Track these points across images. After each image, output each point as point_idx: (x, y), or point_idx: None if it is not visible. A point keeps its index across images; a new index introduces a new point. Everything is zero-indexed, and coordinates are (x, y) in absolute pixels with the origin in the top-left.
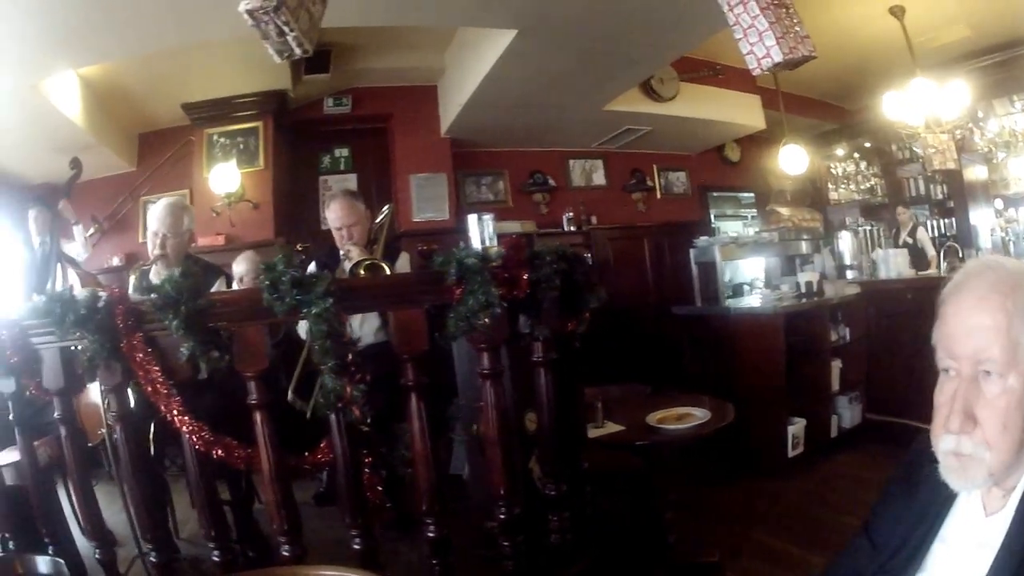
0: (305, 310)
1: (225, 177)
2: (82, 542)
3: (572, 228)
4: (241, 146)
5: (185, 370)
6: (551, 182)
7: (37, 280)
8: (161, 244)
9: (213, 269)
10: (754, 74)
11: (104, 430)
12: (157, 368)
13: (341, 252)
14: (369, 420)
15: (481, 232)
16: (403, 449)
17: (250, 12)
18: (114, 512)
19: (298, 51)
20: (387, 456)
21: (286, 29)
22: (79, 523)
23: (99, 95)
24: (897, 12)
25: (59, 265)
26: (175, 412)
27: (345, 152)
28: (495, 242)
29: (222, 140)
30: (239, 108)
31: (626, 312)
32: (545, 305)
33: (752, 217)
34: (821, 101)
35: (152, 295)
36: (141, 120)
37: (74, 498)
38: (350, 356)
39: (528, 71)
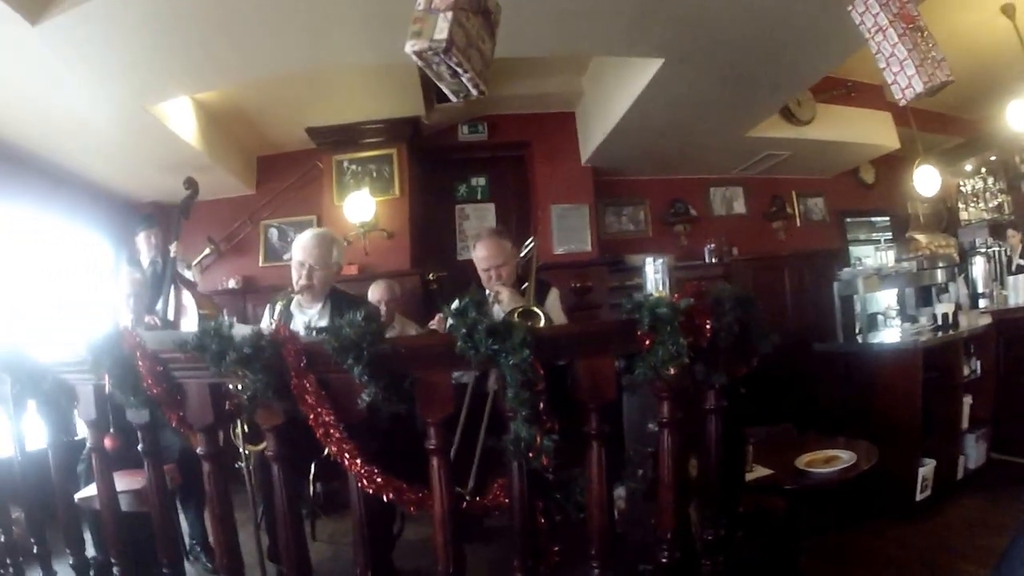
0: (502, 360)
1: (360, 206)
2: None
3: (714, 260)
4: (374, 173)
5: (358, 413)
6: (692, 211)
7: (148, 300)
8: (308, 275)
9: (361, 306)
10: (900, 104)
11: (241, 464)
12: (331, 411)
13: (488, 293)
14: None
15: (657, 277)
16: (578, 494)
17: (418, 54)
18: None
19: (474, 92)
20: (562, 501)
21: (459, 70)
22: (186, 553)
23: (214, 116)
24: (1008, 11)
25: (172, 286)
26: (347, 456)
27: (482, 181)
28: (668, 286)
29: (353, 167)
30: (368, 134)
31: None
32: (722, 352)
33: (885, 241)
34: (945, 114)
35: (323, 335)
36: (260, 142)
37: (211, 529)
38: (542, 405)
39: (674, 99)
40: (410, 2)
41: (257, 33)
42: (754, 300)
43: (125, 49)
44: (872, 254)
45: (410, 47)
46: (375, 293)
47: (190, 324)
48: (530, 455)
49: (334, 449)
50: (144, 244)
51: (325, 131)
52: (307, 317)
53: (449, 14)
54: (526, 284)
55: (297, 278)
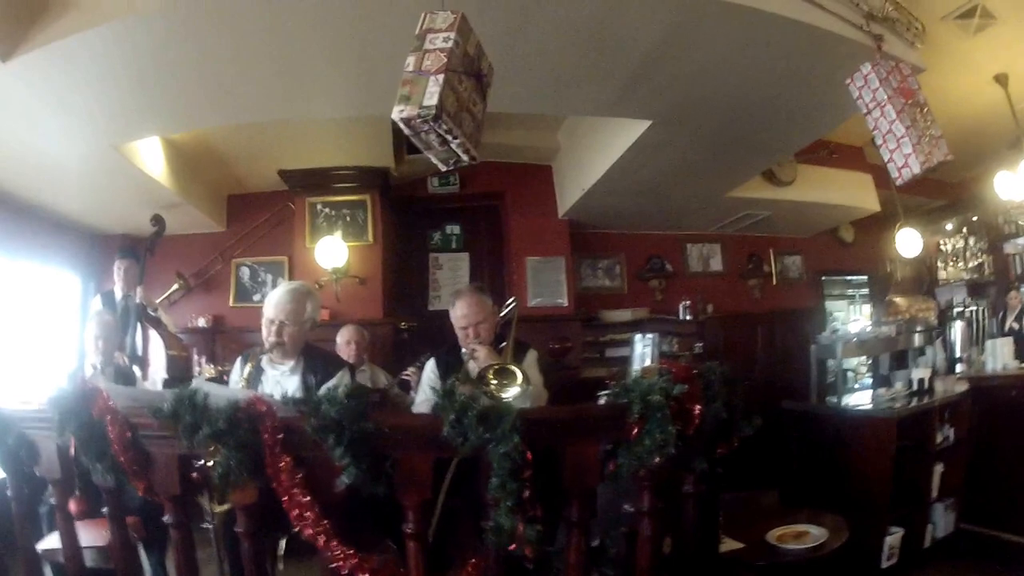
0: (491, 447)
1: (332, 251)
2: None
3: (688, 317)
4: (347, 218)
5: (336, 495)
6: (668, 267)
7: (119, 339)
8: (278, 332)
9: (335, 362)
10: (896, 184)
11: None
12: (307, 493)
13: (465, 351)
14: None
15: (646, 351)
16: None
17: (406, 121)
18: None
19: (465, 158)
20: None
21: (449, 137)
22: None
23: (184, 154)
24: (1002, 80)
25: (139, 324)
26: (323, 537)
27: (456, 229)
28: (655, 360)
29: (326, 211)
30: (341, 179)
31: None
32: (706, 436)
33: (859, 296)
34: (927, 178)
35: (299, 408)
36: (231, 182)
37: None
38: (527, 493)
39: (658, 160)
40: (392, 61)
41: (233, 82)
42: (739, 381)
43: (97, 89)
44: (845, 308)
45: (397, 113)
46: (344, 334)
47: (158, 363)
48: (512, 546)
49: (308, 532)
50: (116, 275)
51: (297, 174)
52: (278, 373)
53: (440, 77)
54: (504, 344)
55: (267, 335)
